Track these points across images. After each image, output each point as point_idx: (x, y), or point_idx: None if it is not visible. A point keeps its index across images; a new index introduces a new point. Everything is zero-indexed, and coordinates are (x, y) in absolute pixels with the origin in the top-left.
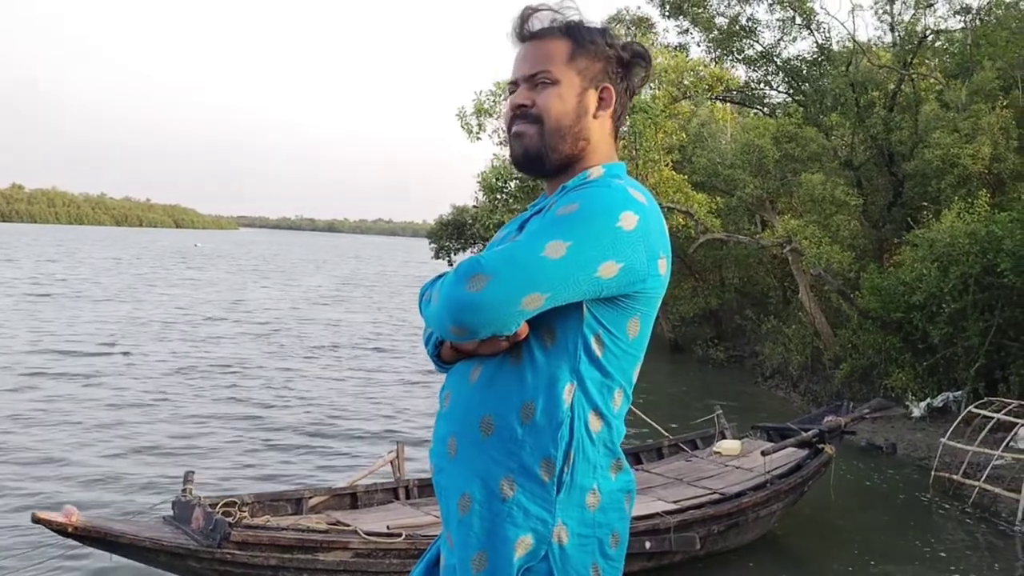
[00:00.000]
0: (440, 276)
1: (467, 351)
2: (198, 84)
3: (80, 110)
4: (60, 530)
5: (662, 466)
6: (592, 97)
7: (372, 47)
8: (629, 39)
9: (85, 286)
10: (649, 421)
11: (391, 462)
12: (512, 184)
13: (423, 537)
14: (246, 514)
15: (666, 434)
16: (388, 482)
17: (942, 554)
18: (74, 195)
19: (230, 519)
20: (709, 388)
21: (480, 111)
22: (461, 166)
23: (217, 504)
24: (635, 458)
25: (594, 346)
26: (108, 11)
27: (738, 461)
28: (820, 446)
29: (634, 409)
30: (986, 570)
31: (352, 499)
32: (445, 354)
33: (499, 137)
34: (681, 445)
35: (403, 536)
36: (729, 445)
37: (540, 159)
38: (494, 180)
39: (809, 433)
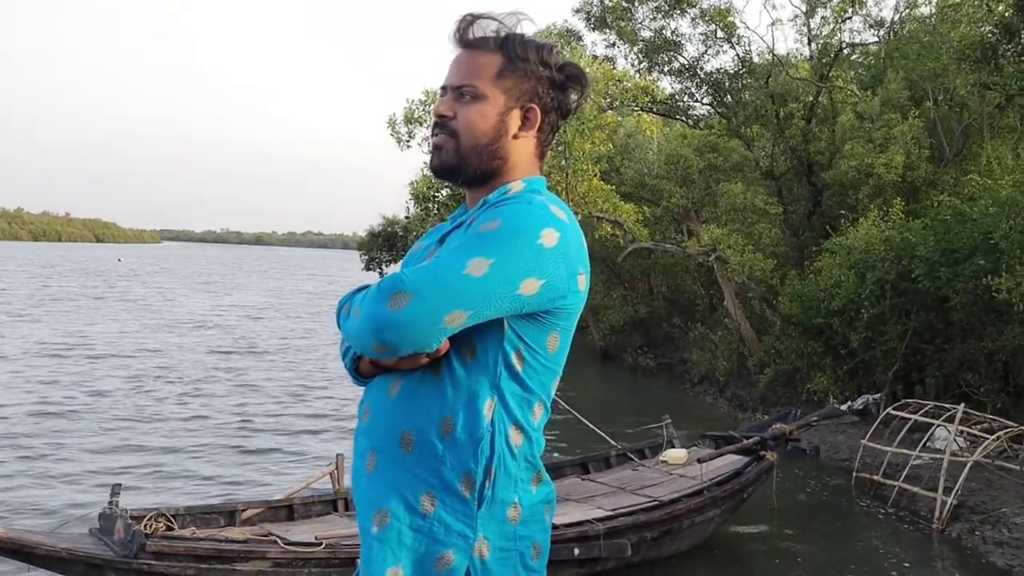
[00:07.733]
0: (359, 289)
1: (386, 366)
2: (120, 97)
3: None
4: None
5: (608, 475)
6: (515, 117)
7: (298, 56)
8: (567, 59)
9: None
10: (599, 432)
11: (330, 473)
12: (443, 193)
13: (344, 546)
14: (163, 525)
15: (614, 444)
16: (327, 494)
17: (869, 553)
18: None
19: (148, 530)
20: (639, 395)
21: (410, 119)
22: (392, 177)
23: (143, 516)
24: (583, 468)
25: (514, 361)
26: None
27: (683, 469)
28: (762, 453)
29: (581, 418)
30: (911, 568)
31: (288, 511)
32: (363, 368)
33: (427, 146)
34: (629, 455)
35: (323, 545)
36: (675, 454)
37: (455, 173)
38: (425, 190)
39: (750, 440)
